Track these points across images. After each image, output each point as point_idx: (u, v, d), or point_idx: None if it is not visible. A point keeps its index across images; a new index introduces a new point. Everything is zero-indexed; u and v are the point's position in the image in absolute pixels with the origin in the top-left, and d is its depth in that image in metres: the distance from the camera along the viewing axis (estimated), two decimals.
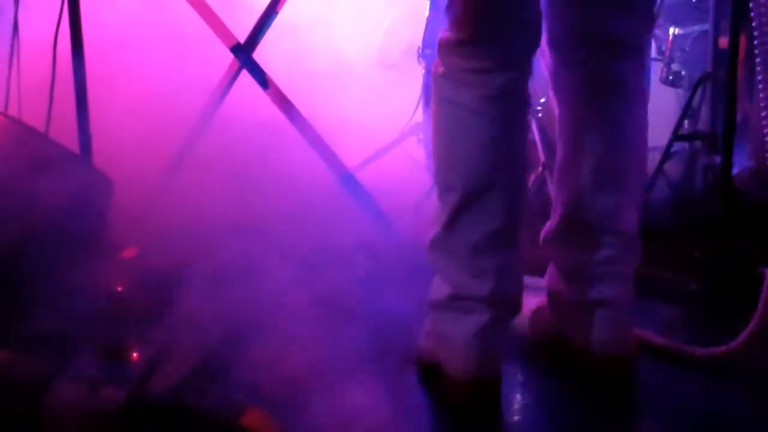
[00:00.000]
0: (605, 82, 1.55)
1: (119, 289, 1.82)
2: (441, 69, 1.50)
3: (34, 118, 2.25)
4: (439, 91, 1.51)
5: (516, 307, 1.52)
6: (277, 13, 2.54)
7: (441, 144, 1.52)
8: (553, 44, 1.59)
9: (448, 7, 1.47)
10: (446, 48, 1.49)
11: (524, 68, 1.49)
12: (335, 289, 1.94)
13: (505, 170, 1.47)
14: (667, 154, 2.45)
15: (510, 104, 1.47)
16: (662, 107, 2.88)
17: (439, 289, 1.52)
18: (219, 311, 1.76)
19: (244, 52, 2.51)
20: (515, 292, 1.51)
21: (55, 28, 2.22)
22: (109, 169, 2.19)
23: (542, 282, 1.71)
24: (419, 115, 3.18)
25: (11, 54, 2.51)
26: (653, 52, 2.99)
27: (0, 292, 1.75)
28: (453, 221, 1.48)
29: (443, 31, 1.50)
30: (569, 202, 1.60)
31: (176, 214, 2.26)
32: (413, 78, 3.15)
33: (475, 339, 1.46)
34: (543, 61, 1.62)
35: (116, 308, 1.75)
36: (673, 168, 2.60)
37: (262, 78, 2.52)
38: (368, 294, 1.97)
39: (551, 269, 1.68)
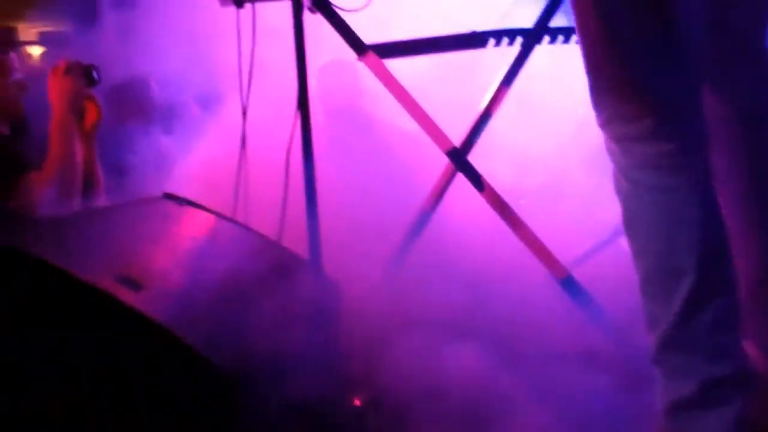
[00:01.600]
0: None
1: (357, 403, 1.84)
2: (627, 159, 1.49)
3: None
4: (631, 178, 1.49)
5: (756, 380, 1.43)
6: (491, 115, 2.57)
7: (650, 232, 1.47)
8: None
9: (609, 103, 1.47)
10: (626, 139, 1.48)
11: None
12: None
13: (724, 235, 1.43)
14: None
15: (707, 174, 1.46)
16: None
17: (678, 390, 1.44)
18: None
19: (459, 156, 2.55)
20: (751, 363, 1.43)
21: (287, 142, 2.34)
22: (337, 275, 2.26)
23: None
24: None
25: (240, 164, 2.67)
26: None
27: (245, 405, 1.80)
28: (689, 308, 1.41)
29: (615, 125, 1.49)
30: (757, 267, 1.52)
31: (400, 315, 2.30)
32: None
33: (738, 425, 1.38)
34: None
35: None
36: None
37: (477, 181, 2.54)
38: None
39: (748, 347, 1.55)
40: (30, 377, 1.63)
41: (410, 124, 2.64)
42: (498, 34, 2.58)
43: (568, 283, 2.47)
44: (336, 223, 2.52)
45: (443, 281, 2.47)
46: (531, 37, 2.56)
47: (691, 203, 1.45)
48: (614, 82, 1.50)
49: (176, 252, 1.94)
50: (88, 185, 2.79)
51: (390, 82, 2.53)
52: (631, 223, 1.53)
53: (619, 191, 1.55)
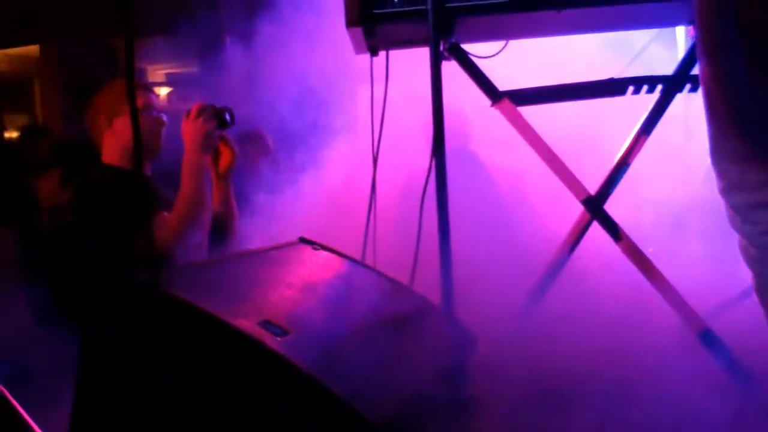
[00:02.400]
0: None
1: None
2: (750, 227, 1.49)
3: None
4: (758, 244, 1.49)
5: None
6: (629, 165, 2.52)
7: None
8: None
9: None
10: (747, 208, 1.48)
11: None
12: None
13: None
14: None
15: None
16: None
17: None
18: None
19: (595, 205, 2.50)
20: None
21: (422, 189, 2.34)
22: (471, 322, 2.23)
23: None
24: None
25: (369, 209, 2.69)
26: None
27: None
28: None
29: (736, 193, 1.48)
30: None
31: (536, 368, 2.25)
32: None
33: None
34: None
35: None
36: None
37: (614, 230, 2.49)
38: None
39: None
40: (175, 418, 1.66)
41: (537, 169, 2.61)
42: (637, 81, 2.52)
43: (707, 336, 2.38)
44: (465, 271, 2.50)
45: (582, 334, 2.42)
46: (672, 85, 2.50)
47: None
48: (738, 151, 1.49)
49: (315, 297, 1.95)
50: (227, 223, 2.86)
51: (525, 129, 2.50)
52: (763, 288, 1.50)
53: (747, 258, 1.55)
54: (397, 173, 3.02)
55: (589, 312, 2.54)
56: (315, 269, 2.11)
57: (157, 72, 7.78)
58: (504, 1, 2.32)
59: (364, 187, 2.76)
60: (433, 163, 2.28)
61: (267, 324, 1.68)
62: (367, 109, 2.74)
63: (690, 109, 3.52)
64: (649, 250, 3.23)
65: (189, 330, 1.67)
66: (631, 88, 2.52)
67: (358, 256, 2.64)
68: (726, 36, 1.47)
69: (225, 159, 2.90)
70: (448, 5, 2.35)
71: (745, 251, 1.55)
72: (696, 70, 2.50)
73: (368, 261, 2.67)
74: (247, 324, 1.65)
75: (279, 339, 1.65)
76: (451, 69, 2.52)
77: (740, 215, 1.52)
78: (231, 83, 4.32)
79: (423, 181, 2.42)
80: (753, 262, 1.53)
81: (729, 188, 1.52)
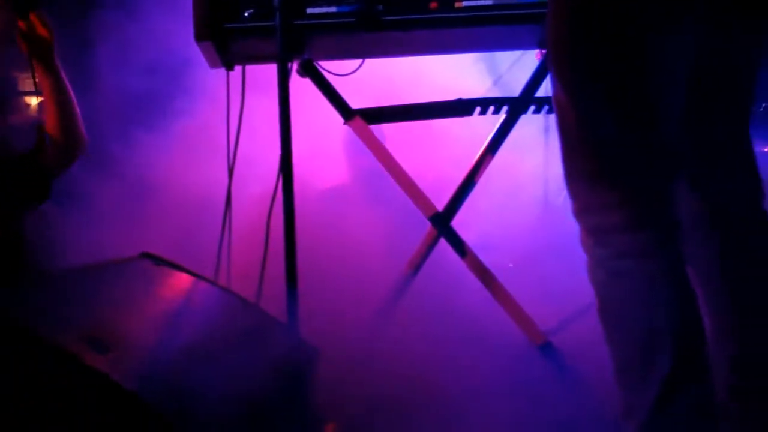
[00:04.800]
0: None
1: None
2: (602, 249, 1.49)
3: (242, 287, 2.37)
4: (607, 269, 1.49)
5: None
6: (475, 182, 2.59)
7: (627, 320, 1.48)
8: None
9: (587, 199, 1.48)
10: (600, 230, 1.49)
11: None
12: None
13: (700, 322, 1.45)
14: None
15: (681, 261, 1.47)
16: None
17: None
18: None
19: (442, 221, 2.55)
20: None
21: (269, 205, 2.35)
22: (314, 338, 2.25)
23: None
24: None
25: (223, 226, 2.67)
26: None
27: None
28: (666, 394, 1.41)
29: (589, 215, 1.49)
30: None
31: (379, 383, 2.28)
32: None
33: None
34: None
35: None
36: None
37: (460, 247, 2.55)
38: None
39: None
40: None
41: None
42: (484, 102, 2.60)
43: (547, 349, 2.47)
44: (317, 287, 2.52)
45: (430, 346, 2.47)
46: (517, 106, 2.58)
47: (668, 289, 1.45)
48: (589, 171, 1.49)
49: (148, 313, 1.93)
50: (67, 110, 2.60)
51: (376, 146, 2.55)
52: (607, 312, 1.51)
53: (594, 281, 1.52)
54: (254, 186, 3.00)
55: (436, 327, 2.60)
56: (154, 285, 2.09)
57: None
58: (351, 20, 2.35)
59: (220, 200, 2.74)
60: (280, 181, 2.30)
61: (92, 340, 1.66)
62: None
63: None
64: (509, 266, 3.35)
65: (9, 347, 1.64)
66: (478, 109, 2.60)
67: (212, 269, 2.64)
68: (576, 57, 1.48)
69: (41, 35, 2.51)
70: (296, 23, 2.36)
71: (593, 274, 1.53)
72: (541, 92, 2.62)
73: (223, 274, 2.66)
74: (68, 340, 1.62)
75: (102, 356, 1.63)
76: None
77: (592, 237, 1.50)
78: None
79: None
80: (600, 285, 1.51)
81: (581, 210, 1.51)
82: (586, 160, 1.49)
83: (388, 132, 3.30)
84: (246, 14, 2.37)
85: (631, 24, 1.42)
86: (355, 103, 2.58)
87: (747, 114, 1.62)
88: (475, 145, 2.66)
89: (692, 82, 1.52)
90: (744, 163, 1.61)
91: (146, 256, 2.22)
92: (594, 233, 1.50)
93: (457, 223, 2.92)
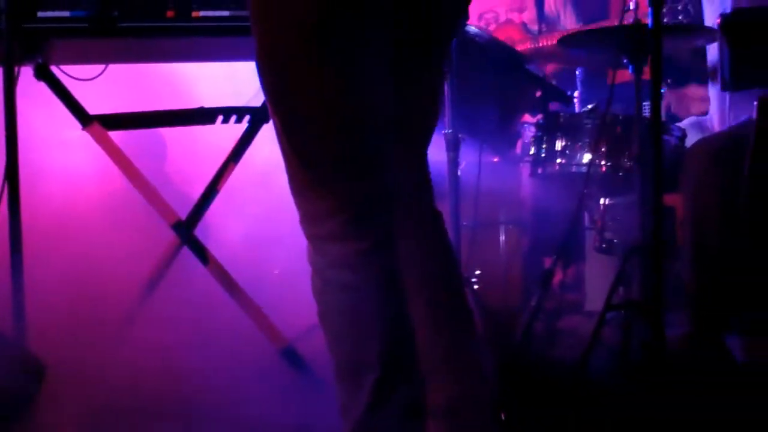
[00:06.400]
0: None
1: None
2: (318, 257, 1.52)
3: None
4: (322, 277, 1.51)
5: None
6: (218, 191, 2.61)
7: (338, 329, 1.52)
8: None
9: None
10: (317, 238, 1.52)
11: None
12: None
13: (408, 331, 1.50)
14: (601, 322, 2.48)
15: (393, 271, 1.51)
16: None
17: None
18: None
19: (185, 229, 2.56)
20: None
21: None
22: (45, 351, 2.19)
23: None
24: None
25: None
26: (586, 221, 3.10)
27: None
28: (376, 401, 1.46)
29: (306, 224, 1.52)
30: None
31: (113, 397, 2.25)
32: None
33: None
34: None
35: None
36: (610, 335, 2.63)
37: (202, 255, 2.56)
38: None
39: None
40: None
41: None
42: (227, 111, 2.62)
43: (288, 354, 2.53)
44: (53, 300, 2.44)
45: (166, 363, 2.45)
46: (259, 116, 2.63)
47: (375, 302, 1.48)
48: (301, 180, 1.50)
49: None
50: None
51: (115, 153, 2.51)
52: (323, 319, 1.54)
53: (312, 289, 1.54)
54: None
55: (182, 335, 2.58)
56: None
57: None
58: (83, 26, 2.31)
59: None
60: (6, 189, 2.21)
61: None
62: None
63: None
64: (274, 272, 3.37)
65: None
66: (220, 117, 2.62)
67: None
68: (272, 68, 1.49)
69: None
70: (25, 26, 2.28)
71: (312, 281, 1.53)
72: None
73: None
74: None
75: None
76: None
77: (311, 245, 1.52)
78: None
79: None
80: (316, 293, 1.53)
81: (301, 219, 1.52)
82: (299, 169, 1.50)
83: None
84: None
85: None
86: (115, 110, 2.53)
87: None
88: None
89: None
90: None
91: None
92: (312, 241, 1.52)
93: (224, 228, 2.94)
